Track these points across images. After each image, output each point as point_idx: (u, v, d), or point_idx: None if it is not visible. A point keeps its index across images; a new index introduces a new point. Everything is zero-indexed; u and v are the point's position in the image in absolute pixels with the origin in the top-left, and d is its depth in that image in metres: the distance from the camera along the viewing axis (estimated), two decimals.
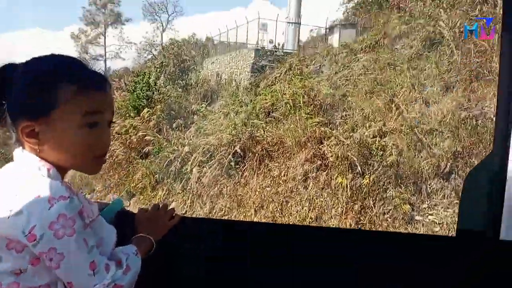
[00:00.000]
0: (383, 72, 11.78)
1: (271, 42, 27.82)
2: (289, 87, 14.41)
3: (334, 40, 21.29)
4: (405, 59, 11.95)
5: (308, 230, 2.14)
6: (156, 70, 18.04)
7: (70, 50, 32.75)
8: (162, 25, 34.82)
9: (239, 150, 10.28)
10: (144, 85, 16.95)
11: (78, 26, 33.02)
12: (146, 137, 14.47)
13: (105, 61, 32.69)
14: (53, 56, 0.96)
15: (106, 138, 0.97)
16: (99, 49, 32.77)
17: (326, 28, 23.04)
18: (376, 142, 8.24)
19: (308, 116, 10.76)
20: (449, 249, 1.46)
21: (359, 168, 8.01)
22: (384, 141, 8.28)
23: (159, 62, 18.60)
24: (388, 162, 7.65)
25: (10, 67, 0.93)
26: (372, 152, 8.25)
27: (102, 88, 0.95)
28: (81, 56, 31.77)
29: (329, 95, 11.74)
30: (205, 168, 10.90)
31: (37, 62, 0.94)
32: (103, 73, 1.03)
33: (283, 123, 11.21)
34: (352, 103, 10.90)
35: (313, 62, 16.11)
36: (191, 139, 12.97)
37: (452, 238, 1.96)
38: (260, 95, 15.29)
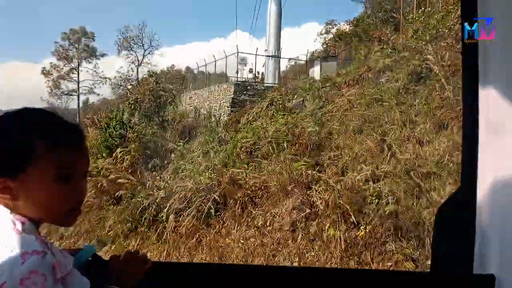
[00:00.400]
0: (370, 107, 11.26)
1: (250, 71, 27.60)
2: (271, 123, 13.78)
3: (315, 72, 21.01)
4: (392, 94, 11.51)
5: (292, 272, 1.97)
6: (131, 107, 17.22)
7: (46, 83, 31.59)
8: (138, 60, 33.93)
9: (218, 198, 9.44)
10: (117, 123, 16.05)
11: (50, 60, 32.05)
12: (118, 180, 13.50)
13: (78, 96, 31.49)
14: (24, 110, 0.95)
15: (80, 190, 0.98)
16: (72, 85, 31.77)
17: (306, 61, 22.82)
18: (370, 188, 7.53)
19: (293, 156, 10.05)
20: (424, 285, 1.46)
21: (353, 217, 7.25)
22: (379, 187, 7.57)
23: (133, 98, 17.77)
24: (385, 212, 6.91)
25: None
26: (366, 199, 7.52)
27: (76, 141, 0.97)
28: (53, 92, 30.69)
29: (315, 133, 11.11)
30: (182, 216, 9.98)
31: (7, 118, 0.94)
32: (76, 123, 1.02)
33: (267, 164, 10.45)
34: (339, 142, 10.27)
35: (295, 96, 15.58)
36: (167, 183, 12.05)
37: (426, 274, 2.02)
38: (241, 132, 14.59)
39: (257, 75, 24.64)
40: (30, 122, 0.92)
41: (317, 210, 7.90)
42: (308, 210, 7.96)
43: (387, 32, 18.85)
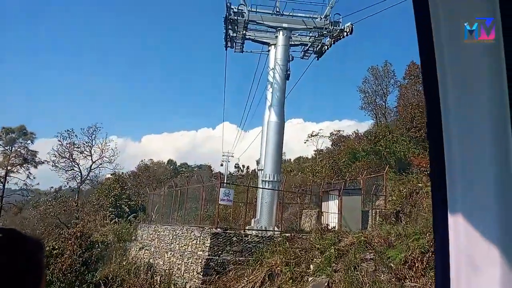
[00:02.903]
0: None
1: (236, 167, 22.02)
2: None
3: (331, 208, 15.44)
4: None
5: None
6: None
7: None
8: (81, 175, 26.79)
9: None
10: None
11: None
12: None
13: None
14: (16, 231, 1.09)
15: None
16: None
17: (318, 192, 17.39)
18: None
19: None
20: None
21: None
22: None
23: (50, 245, 11.54)
24: None
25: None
26: None
27: None
28: None
29: None
30: None
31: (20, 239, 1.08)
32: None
33: None
34: None
35: (311, 266, 9.74)
36: None
37: None
38: None
39: (242, 168, 19.15)
40: (33, 243, 1.10)
41: None
42: None
43: None
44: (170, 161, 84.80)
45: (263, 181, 16.18)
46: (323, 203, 15.80)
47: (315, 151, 52.75)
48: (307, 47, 19.34)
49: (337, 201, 14.99)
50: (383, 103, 28.92)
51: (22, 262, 1.00)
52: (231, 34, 19.18)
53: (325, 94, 75.68)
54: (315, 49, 19.32)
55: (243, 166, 76.27)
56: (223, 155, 68.81)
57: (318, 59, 20.33)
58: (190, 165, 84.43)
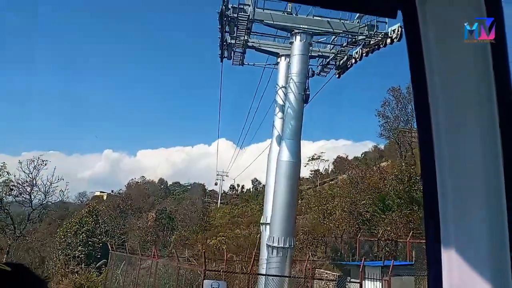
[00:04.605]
0: None
1: (232, 188, 17.34)
2: None
3: None
4: None
5: None
6: None
7: None
8: (14, 228, 19.37)
9: None
10: None
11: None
12: None
13: None
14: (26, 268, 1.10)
15: None
16: None
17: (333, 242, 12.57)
18: None
19: None
20: None
21: None
22: None
23: None
24: None
25: None
26: None
27: None
28: None
29: None
30: None
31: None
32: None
33: None
34: None
35: None
36: None
37: None
38: None
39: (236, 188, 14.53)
40: (39, 279, 1.17)
41: None
42: None
43: None
44: (161, 180, 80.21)
45: (268, 246, 11.34)
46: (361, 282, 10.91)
47: (312, 171, 48.61)
48: (327, 60, 14.79)
49: (379, 283, 10.15)
50: (408, 131, 24.38)
51: None
52: (229, 41, 14.60)
53: (321, 112, 71.61)
54: (337, 63, 14.78)
55: (238, 185, 71.96)
56: (217, 174, 64.12)
57: (339, 76, 15.74)
58: (183, 184, 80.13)
